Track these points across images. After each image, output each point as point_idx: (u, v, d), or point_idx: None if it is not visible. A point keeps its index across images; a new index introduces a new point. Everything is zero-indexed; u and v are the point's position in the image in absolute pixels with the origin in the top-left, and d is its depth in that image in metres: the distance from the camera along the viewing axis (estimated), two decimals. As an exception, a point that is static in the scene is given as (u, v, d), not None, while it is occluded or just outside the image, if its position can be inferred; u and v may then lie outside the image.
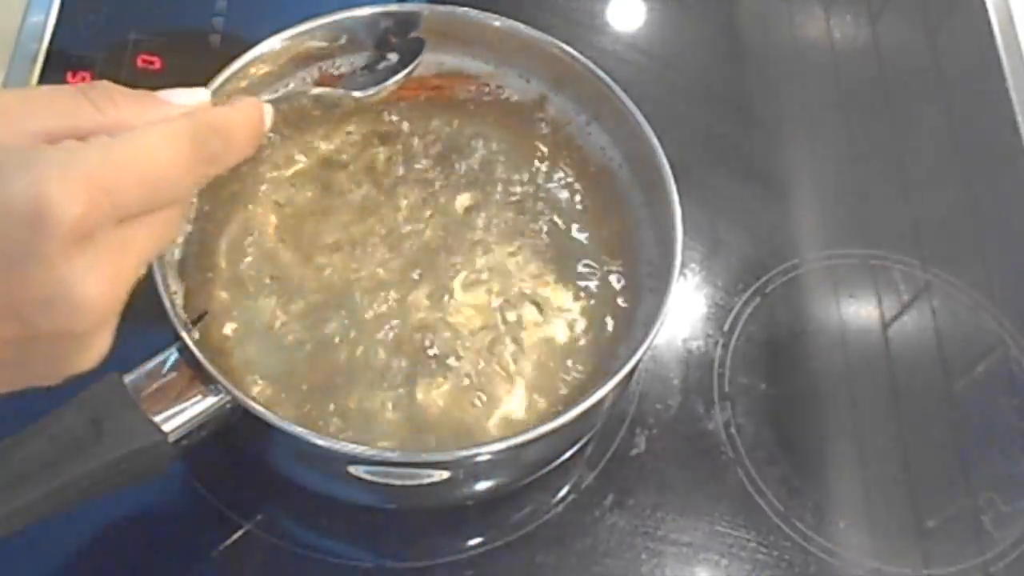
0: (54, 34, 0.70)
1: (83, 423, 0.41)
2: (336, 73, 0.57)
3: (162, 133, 0.33)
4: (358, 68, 0.56)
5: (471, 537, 0.55)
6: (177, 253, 0.52)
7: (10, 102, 0.32)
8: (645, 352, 0.47)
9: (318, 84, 0.57)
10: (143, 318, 0.60)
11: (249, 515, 0.54)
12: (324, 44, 0.56)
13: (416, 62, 0.54)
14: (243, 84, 0.54)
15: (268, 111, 0.40)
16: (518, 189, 0.57)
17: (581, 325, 0.53)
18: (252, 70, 0.54)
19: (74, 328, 0.32)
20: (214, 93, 0.52)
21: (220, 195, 0.54)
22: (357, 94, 0.51)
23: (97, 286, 0.32)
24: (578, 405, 0.46)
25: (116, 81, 0.70)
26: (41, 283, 0.31)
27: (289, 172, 0.56)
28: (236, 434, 0.46)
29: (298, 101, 0.49)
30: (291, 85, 0.57)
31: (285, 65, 0.56)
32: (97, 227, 0.31)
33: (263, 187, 0.55)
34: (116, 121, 0.33)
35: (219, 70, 0.52)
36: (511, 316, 0.53)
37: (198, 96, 0.36)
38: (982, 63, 0.76)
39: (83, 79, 0.68)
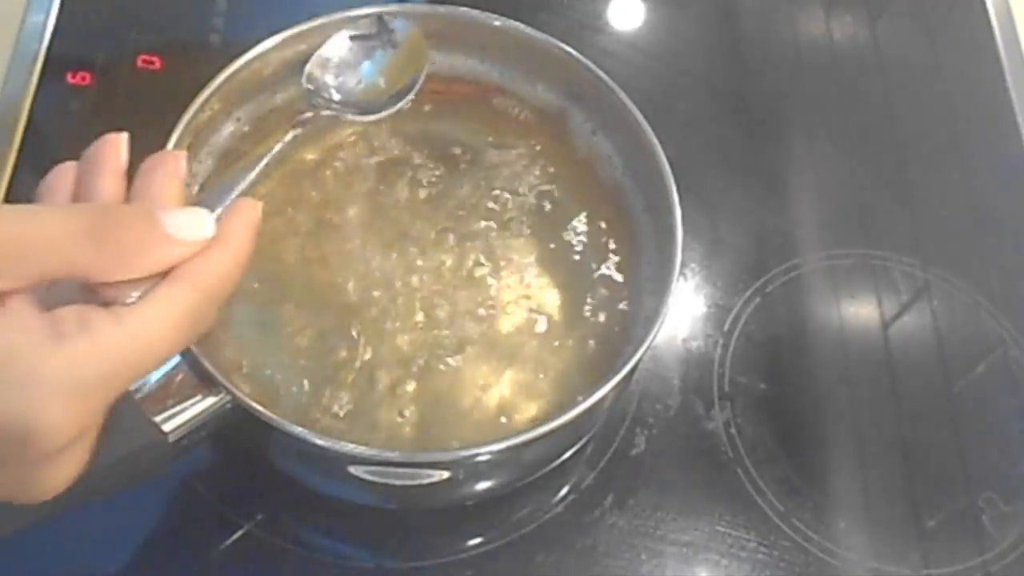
0: (54, 34, 0.70)
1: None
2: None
3: (164, 318, 0.31)
4: (356, 84, 0.55)
5: (471, 537, 0.55)
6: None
7: (13, 236, 0.28)
8: (645, 352, 0.47)
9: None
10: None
11: (249, 515, 0.54)
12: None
13: (422, 78, 0.53)
14: (243, 84, 0.54)
15: (256, 214, 0.36)
16: (518, 189, 0.57)
17: (581, 325, 0.53)
18: (252, 70, 0.54)
19: (36, 459, 0.29)
20: (214, 93, 0.52)
21: (224, 194, 0.54)
22: (362, 118, 0.51)
23: (66, 429, 0.29)
24: (578, 405, 0.46)
25: (116, 81, 0.71)
26: (14, 471, 0.29)
27: (291, 172, 0.56)
28: (236, 434, 0.46)
29: (303, 126, 0.48)
30: (290, 86, 0.57)
31: (287, 65, 0.56)
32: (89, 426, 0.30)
33: (268, 185, 0.55)
34: (116, 264, 0.30)
35: (219, 70, 0.52)
36: (511, 316, 0.53)
37: (204, 230, 0.32)
38: (982, 63, 0.76)
39: (83, 79, 0.68)
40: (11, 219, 0.28)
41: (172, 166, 0.34)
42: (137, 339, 0.30)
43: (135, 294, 0.30)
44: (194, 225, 0.32)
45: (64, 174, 0.34)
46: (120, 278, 0.30)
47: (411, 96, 0.53)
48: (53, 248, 0.29)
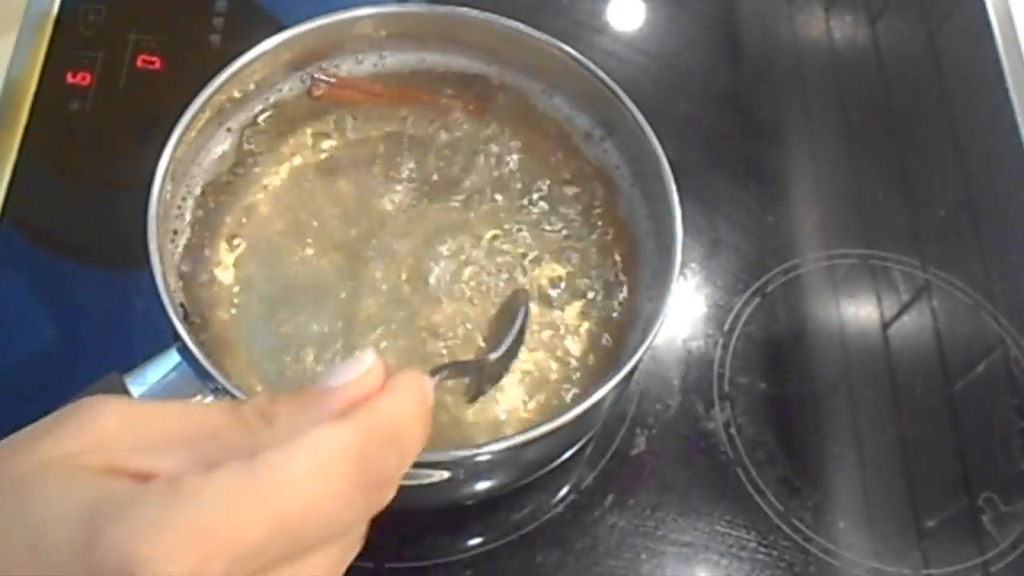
0: (54, 34, 0.70)
1: (83, 423, 0.41)
2: (335, 74, 0.57)
3: (316, 460, 0.26)
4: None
5: (471, 537, 0.55)
6: (178, 254, 0.52)
7: (155, 414, 0.27)
8: (645, 352, 0.47)
9: (316, 85, 0.57)
10: (143, 318, 0.60)
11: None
12: (325, 45, 0.56)
13: None
14: (243, 84, 0.54)
15: (429, 387, 0.32)
16: (518, 189, 0.57)
17: (581, 325, 0.53)
18: (252, 70, 0.54)
19: None
20: (214, 93, 0.52)
21: (222, 194, 0.54)
22: None
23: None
24: (578, 405, 0.45)
25: (116, 81, 0.71)
26: None
27: (293, 172, 0.56)
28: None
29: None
30: (289, 86, 0.57)
31: (285, 65, 0.56)
32: None
33: (266, 186, 0.55)
34: (270, 441, 0.26)
35: (219, 70, 0.52)
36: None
37: (366, 385, 0.29)
38: (982, 63, 0.76)
39: (83, 79, 0.68)
40: (160, 407, 0.28)
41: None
42: (277, 481, 0.25)
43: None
44: (351, 364, 0.29)
45: None
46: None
47: None
48: (207, 435, 0.27)
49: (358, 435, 0.27)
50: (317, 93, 0.56)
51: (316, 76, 0.57)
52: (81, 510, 0.25)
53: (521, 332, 0.50)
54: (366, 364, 0.29)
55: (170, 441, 0.27)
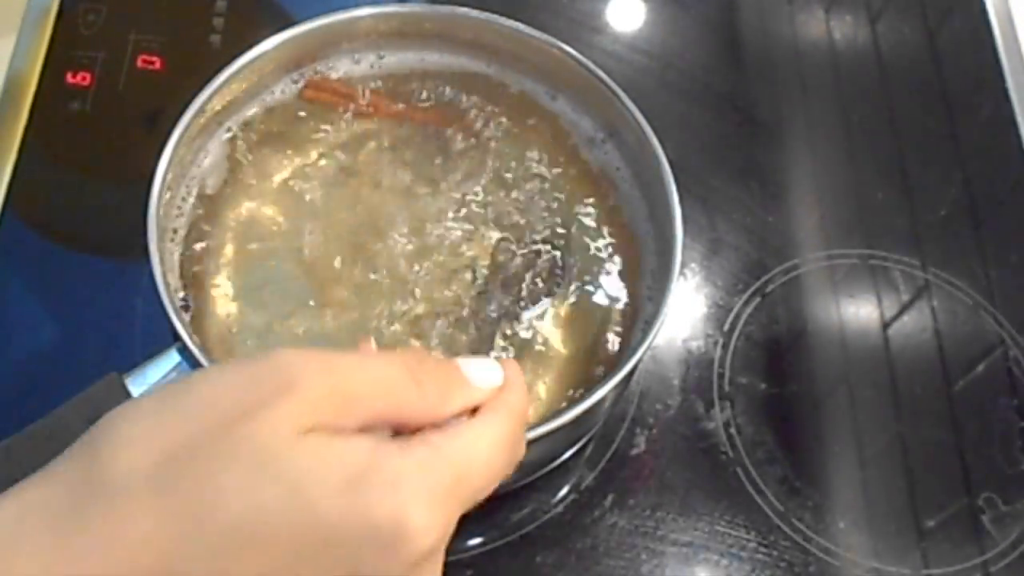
0: (54, 34, 0.70)
1: (83, 423, 0.41)
2: (335, 75, 0.57)
3: (490, 436, 0.32)
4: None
5: (471, 537, 0.55)
6: (178, 253, 0.52)
7: (356, 381, 0.30)
8: (645, 352, 0.47)
9: (315, 85, 0.57)
10: (143, 318, 0.60)
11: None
12: (324, 45, 0.56)
13: None
14: (243, 85, 0.54)
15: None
16: (518, 190, 0.57)
17: (580, 325, 0.53)
18: (252, 70, 0.54)
19: None
20: (214, 93, 0.52)
21: (222, 194, 0.54)
22: None
23: (431, 532, 0.30)
24: (578, 405, 0.46)
25: (116, 81, 0.71)
26: None
27: (292, 172, 0.56)
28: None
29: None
30: (289, 86, 0.57)
31: (285, 65, 0.56)
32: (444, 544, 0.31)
33: (265, 186, 0.55)
34: (432, 407, 0.32)
35: (219, 70, 0.52)
36: (509, 314, 0.53)
37: (496, 376, 0.34)
38: (982, 63, 0.76)
39: (83, 79, 0.68)
40: (351, 367, 0.30)
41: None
42: (472, 452, 0.31)
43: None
44: (489, 371, 0.34)
45: None
46: (431, 421, 0.32)
47: None
48: (387, 393, 0.31)
49: (513, 422, 0.34)
50: (309, 95, 0.56)
51: (308, 78, 0.57)
52: (345, 477, 0.28)
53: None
54: (497, 379, 0.35)
55: (364, 401, 0.30)
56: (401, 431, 0.31)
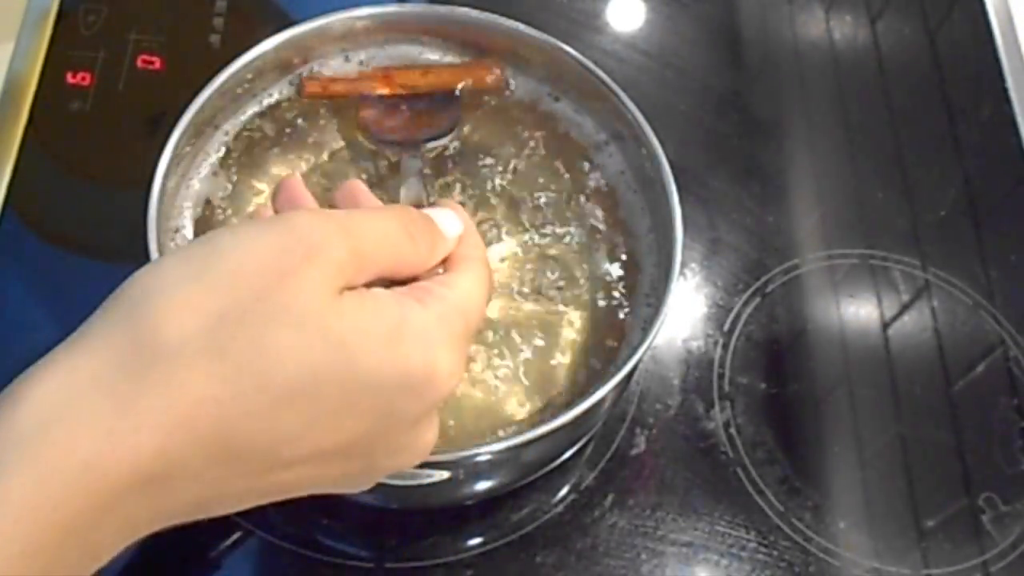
0: (54, 34, 0.70)
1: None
2: (322, 72, 0.57)
3: (482, 282, 0.37)
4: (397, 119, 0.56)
5: (471, 537, 0.55)
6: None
7: (370, 236, 0.33)
8: (645, 352, 0.47)
9: (314, 82, 0.57)
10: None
11: (249, 515, 0.54)
12: (324, 45, 0.56)
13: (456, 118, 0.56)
14: (243, 84, 0.54)
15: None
16: (517, 190, 0.57)
17: (580, 324, 0.53)
18: (252, 70, 0.54)
19: (408, 465, 0.36)
20: (214, 93, 0.52)
21: (223, 194, 0.54)
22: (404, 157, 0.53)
23: (435, 432, 0.36)
24: (578, 405, 0.46)
25: (116, 81, 0.71)
26: (404, 438, 0.34)
27: (296, 171, 0.56)
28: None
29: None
30: (289, 86, 0.57)
31: (285, 65, 0.56)
32: None
33: (265, 186, 0.55)
34: (424, 260, 0.36)
35: (219, 70, 0.52)
36: (510, 316, 0.53)
37: (459, 224, 0.38)
38: (982, 63, 0.76)
39: (83, 79, 0.68)
40: (362, 227, 0.33)
41: (358, 185, 0.39)
42: (470, 297, 0.35)
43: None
44: (453, 223, 0.38)
45: (296, 186, 0.39)
46: (420, 271, 0.36)
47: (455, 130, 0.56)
48: (391, 250, 0.34)
49: (487, 268, 0.38)
50: (308, 91, 0.56)
51: (304, 75, 0.57)
52: (382, 333, 0.31)
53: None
54: (461, 223, 0.38)
55: (375, 258, 0.33)
56: (395, 281, 0.35)
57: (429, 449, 0.35)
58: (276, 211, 0.39)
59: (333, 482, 0.34)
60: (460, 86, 0.57)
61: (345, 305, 0.31)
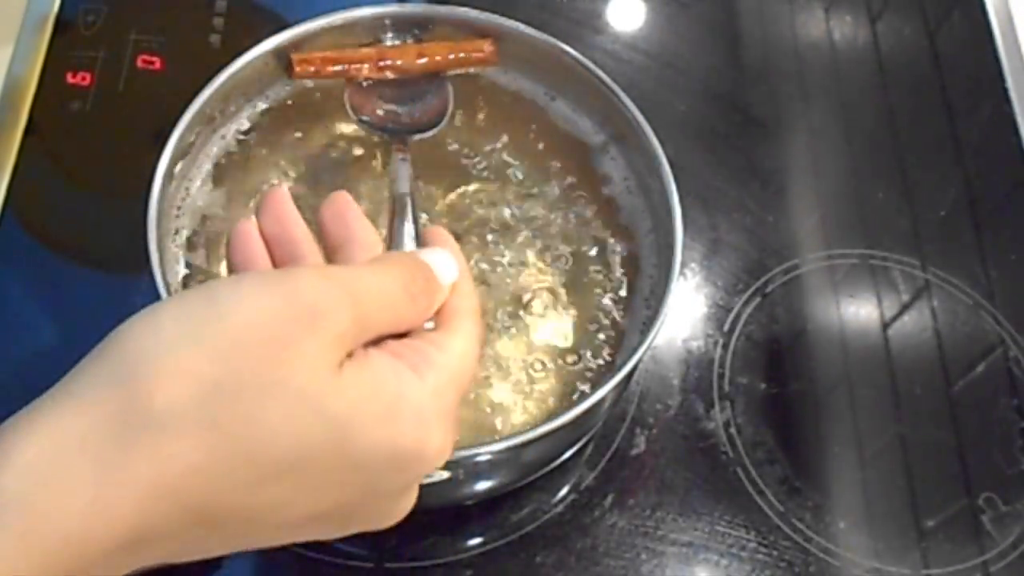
0: (54, 34, 0.70)
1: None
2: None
3: (475, 341, 0.36)
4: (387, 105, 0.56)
5: (471, 537, 0.55)
6: (178, 253, 0.52)
7: (370, 297, 0.32)
8: (645, 352, 0.47)
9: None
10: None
11: (249, 515, 0.54)
12: (324, 44, 0.56)
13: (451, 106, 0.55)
14: (243, 84, 0.54)
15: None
16: (517, 190, 0.57)
17: (580, 324, 0.53)
18: (252, 70, 0.54)
19: (380, 527, 0.35)
20: (214, 93, 0.52)
21: (223, 194, 0.54)
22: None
23: (413, 498, 0.35)
24: (578, 405, 0.46)
25: (116, 81, 0.71)
26: (384, 506, 0.34)
27: (293, 170, 0.56)
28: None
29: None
30: (289, 86, 0.57)
31: (285, 65, 0.56)
32: None
33: (266, 185, 0.55)
34: (421, 316, 0.35)
35: (219, 70, 0.52)
36: (510, 315, 0.53)
37: (454, 271, 0.37)
38: (982, 63, 0.76)
39: (83, 79, 0.68)
40: (365, 291, 0.32)
41: (347, 203, 0.39)
42: (464, 361, 0.35)
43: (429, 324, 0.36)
44: (449, 268, 0.37)
45: (250, 238, 0.38)
46: (416, 327, 0.35)
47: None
48: (392, 313, 0.33)
49: (480, 326, 0.37)
50: (298, 71, 0.55)
51: (292, 54, 0.55)
52: (378, 411, 0.31)
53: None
54: (455, 274, 0.37)
55: (376, 323, 0.33)
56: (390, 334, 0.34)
57: (405, 514, 0.35)
58: (262, 227, 0.38)
59: (305, 537, 0.34)
60: (451, 73, 0.57)
61: (343, 381, 0.30)
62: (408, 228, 0.44)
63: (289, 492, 0.30)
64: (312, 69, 0.55)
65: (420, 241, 0.42)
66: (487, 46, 0.56)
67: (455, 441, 0.34)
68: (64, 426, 0.28)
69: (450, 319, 0.36)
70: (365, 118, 0.55)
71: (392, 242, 0.43)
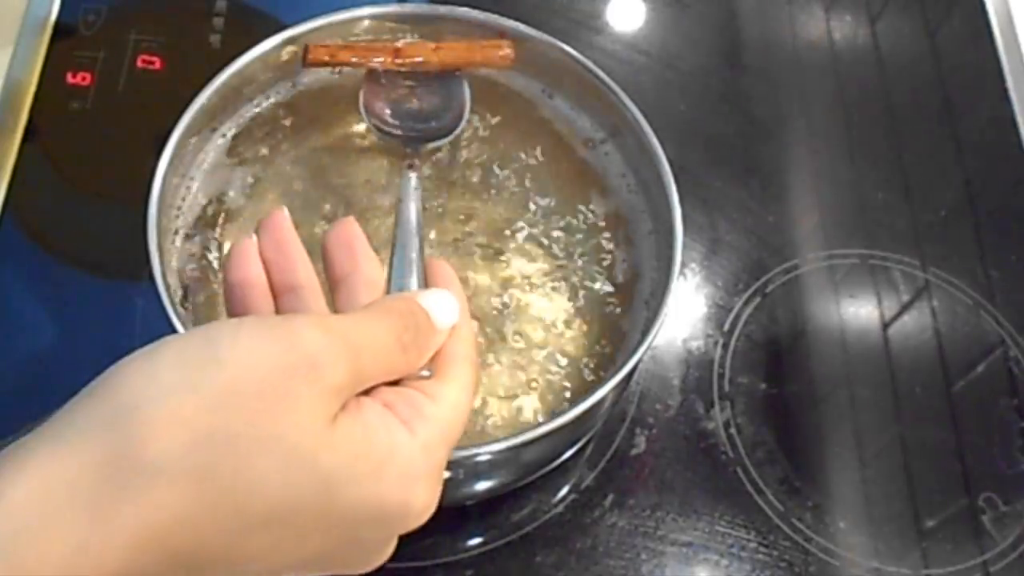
0: (54, 34, 0.70)
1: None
2: (335, 73, 0.57)
3: (468, 391, 0.35)
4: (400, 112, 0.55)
5: (471, 537, 0.55)
6: (178, 253, 0.52)
7: (360, 348, 0.32)
8: (645, 352, 0.47)
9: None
10: (143, 318, 0.60)
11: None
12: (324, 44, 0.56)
13: (467, 112, 0.54)
14: (243, 85, 0.54)
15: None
16: (517, 189, 0.57)
17: (580, 325, 0.53)
18: (252, 70, 0.54)
19: (356, 572, 0.35)
20: (214, 93, 0.52)
21: (223, 194, 0.54)
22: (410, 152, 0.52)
23: (391, 549, 0.35)
24: (578, 405, 0.46)
25: (116, 81, 0.70)
26: (363, 557, 0.34)
27: (293, 171, 0.56)
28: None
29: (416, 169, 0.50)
30: (289, 86, 0.57)
31: (285, 66, 0.56)
32: None
33: (265, 185, 0.55)
34: (414, 365, 0.35)
35: (219, 70, 0.52)
36: (510, 315, 0.53)
37: (454, 314, 0.36)
38: (982, 63, 0.76)
39: (83, 79, 0.68)
40: (360, 344, 0.32)
41: (354, 233, 0.38)
42: (456, 413, 0.34)
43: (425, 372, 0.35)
44: (448, 312, 0.36)
45: (250, 259, 0.38)
46: (409, 375, 0.35)
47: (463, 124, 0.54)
48: (385, 364, 0.33)
49: (476, 373, 0.36)
50: (313, 57, 0.54)
51: (305, 43, 0.55)
52: (368, 468, 0.31)
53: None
54: (455, 317, 0.36)
55: (370, 375, 0.33)
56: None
57: (384, 560, 0.35)
58: (261, 249, 0.38)
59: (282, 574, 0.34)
60: (468, 70, 0.56)
61: (336, 436, 0.30)
62: (413, 259, 0.42)
63: (274, 540, 0.30)
64: (327, 57, 0.54)
65: (423, 276, 0.41)
66: (503, 49, 0.55)
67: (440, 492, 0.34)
68: (54, 470, 0.28)
69: (446, 365, 0.35)
70: (377, 123, 0.54)
71: (394, 276, 0.41)
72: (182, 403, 0.29)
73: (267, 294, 0.37)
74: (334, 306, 0.37)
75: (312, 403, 0.30)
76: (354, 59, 0.54)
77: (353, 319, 0.33)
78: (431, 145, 0.54)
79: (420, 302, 0.35)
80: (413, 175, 0.48)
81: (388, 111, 0.55)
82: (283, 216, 0.39)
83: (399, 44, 0.55)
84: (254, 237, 0.38)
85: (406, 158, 0.51)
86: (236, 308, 0.37)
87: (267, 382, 0.30)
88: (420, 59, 0.55)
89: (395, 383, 0.34)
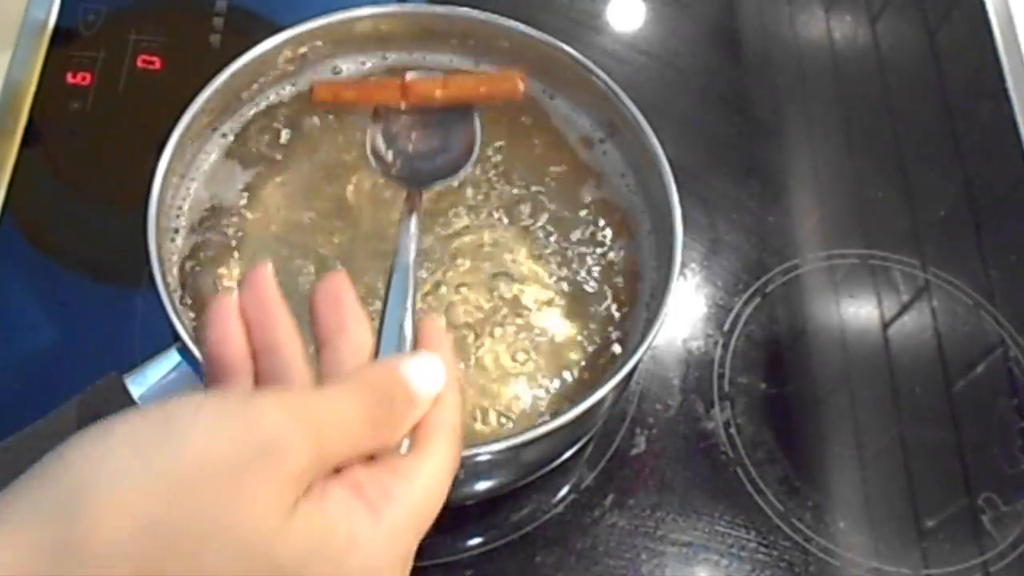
0: (54, 34, 0.70)
1: (83, 423, 0.41)
2: (336, 73, 0.57)
3: (447, 467, 0.34)
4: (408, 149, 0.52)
5: (471, 537, 0.55)
6: (178, 253, 0.52)
7: (327, 444, 0.30)
8: (645, 352, 0.47)
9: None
10: (143, 318, 0.60)
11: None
12: (324, 45, 0.56)
13: (477, 148, 0.51)
14: (243, 85, 0.54)
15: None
16: (516, 190, 0.57)
17: (580, 325, 0.53)
18: (251, 71, 0.54)
19: None
20: (214, 94, 0.52)
21: (223, 194, 0.54)
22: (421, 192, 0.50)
23: None
24: (578, 405, 0.46)
25: (116, 81, 0.70)
26: None
27: (292, 172, 0.56)
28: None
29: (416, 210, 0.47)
30: (289, 87, 0.57)
31: (284, 66, 0.56)
32: None
33: (265, 185, 0.55)
34: (387, 441, 0.33)
35: (219, 70, 0.52)
36: (509, 315, 0.53)
37: (439, 381, 0.35)
38: (982, 63, 0.76)
39: (83, 79, 0.68)
40: (327, 424, 0.30)
41: (342, 288, 0.36)
42: (429, 493, 0.33)
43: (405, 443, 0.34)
44: (433, 380, 0.34)
45: (229, 317, 0.35)
46: (384, 450, 0.33)
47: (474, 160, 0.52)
48: (352, 443, 0.31)
49: (457, 453, 0.35)
50: (319, 97, 0.55)
51: (316, 79, 0.56)
52: (327, 560, 0.29)
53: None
54: (440, 384, 0.35)
55: (336, 456, 0.31)
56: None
57: None
58: (242, 306, 0.36)
59: None
60: (479, 106, 0.53)
61: (294, 526, 0.29)
62: (405, 316, 0.40)
63: None
64: (331, 97, 0.54)
65: (415, 329, 0.39)
66: (516, 83, 0.52)
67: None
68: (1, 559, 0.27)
69: (425, 438, 0.34)
70: (383, 169, 0.51)
71: (384, 334, 0.40)
72: (132, 488, 0.27)
73: (246, 354, 0.35)
74: (319, 367, 0.36)
75: (270, 491, 0.28)
76: (360, 99, 0.53)
77: (322, 397, 0.32)
78: (438, 185, 0.51)
79: (402, 371, 0.34)
80: (413, 219, 0.46)
81: (393, 154, 0.52)
82: (266, 272, 0.37)
83: (407, 79, 0.53)
84: (233, 295, 0.36)
85: (409, 198, 0.48)
86: (214, 367, 0.35)
87: (223, 468, 0.28)
88: (424, 93, 0.52)
89: (371, 458, 0.32)
